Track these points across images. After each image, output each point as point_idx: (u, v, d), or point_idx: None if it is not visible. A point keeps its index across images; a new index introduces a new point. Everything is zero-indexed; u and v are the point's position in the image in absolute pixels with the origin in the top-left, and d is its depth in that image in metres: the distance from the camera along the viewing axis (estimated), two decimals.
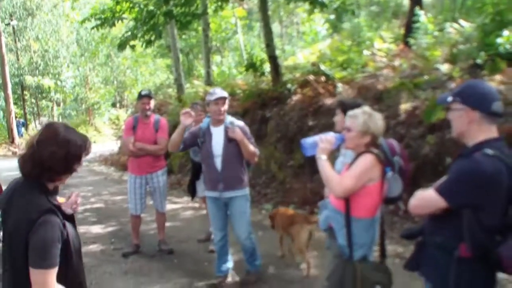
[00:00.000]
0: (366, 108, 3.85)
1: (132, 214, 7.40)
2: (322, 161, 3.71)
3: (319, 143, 3.79)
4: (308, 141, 3.94)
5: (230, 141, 5.55)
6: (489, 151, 2.78)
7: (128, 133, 7.11)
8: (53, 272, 2.52)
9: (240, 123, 5.75)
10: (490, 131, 2.90)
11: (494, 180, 2.74)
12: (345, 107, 4.36)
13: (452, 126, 3.04)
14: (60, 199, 2.78)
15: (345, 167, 3.81)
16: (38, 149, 2.61)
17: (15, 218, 2.57)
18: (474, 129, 2.91)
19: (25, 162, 2.64)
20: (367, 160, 3.63)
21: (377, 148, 3.75)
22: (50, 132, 2.66)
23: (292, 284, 5.98)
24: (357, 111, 3.80)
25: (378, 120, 3.75)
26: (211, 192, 5.81)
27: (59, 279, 2.55)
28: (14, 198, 2.64)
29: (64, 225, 2.61)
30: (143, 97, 7.12)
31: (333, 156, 4.30)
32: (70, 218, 2.73)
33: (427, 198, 2.96)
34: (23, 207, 2.57)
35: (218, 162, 5.64)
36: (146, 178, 7.17)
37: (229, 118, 5.71)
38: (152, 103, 7.21)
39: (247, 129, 5.75)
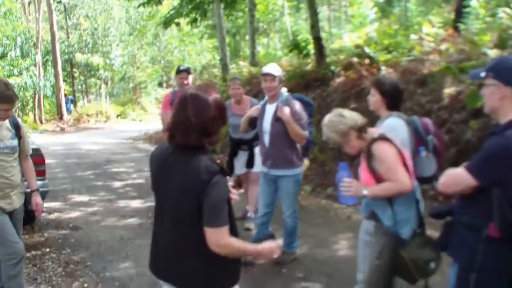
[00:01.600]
0: (324, 121, 3.81)
1: None
2: (368, 193, 3.66)
3: (348, 192, 3.73)
4: (343, 198, 3.89)
5: (278, 120, 5.53)
6: None
7: (166, 108, 7.09)
8: (228, 229, 2.64)
9: (295, 103, 5.65)
10: None
11: None
12: (381, 86, 4.27)
13: (485, 102, 2.94)
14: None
15: (363, 169, 3.76)
16: (198, 116, 2.66)
17: (181, 182, 2.65)
18: (507, 106, 2.80)
19: (185, 131, 2.67)
20: (381, 147, 3.61)
21: (365, 130, 3.72)
22: (202, 100, 2.70)
23: (325, 264, 5.96)
24: (323, 131, 3.79)
25: (339, 116, 3.74)
26: (262, 167, 5.90)
27: None
28: (171, 166, 2.74)
29: None
30: (181, 72, 7.09)
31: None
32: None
33: (456, 176, 2.88)
34: (192, 171, 2.62)
35: (267, 139, 5.70)
36: None
37: (285, 96, 5.66)
38: (191, 78, 7.16)
39: (298, 109, 5.61)
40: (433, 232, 6.12)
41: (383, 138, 3.64)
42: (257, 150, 7.00)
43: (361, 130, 3.68)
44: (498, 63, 2.93)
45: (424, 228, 3.75)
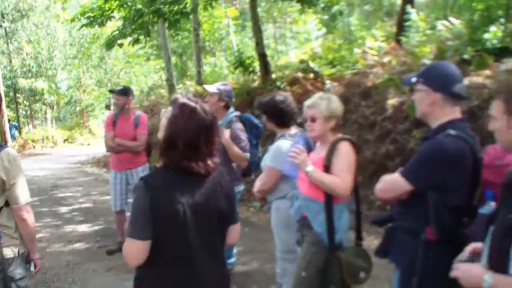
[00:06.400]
0: (321, 94, 3.81)
1: (113, 210, 7.33)
2: (311, 172, 3.57)
3: (293, 161, 3.66)
4: (286, 168, 3.87)
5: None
6: (452, 132, 2.74)
7: (108, 129, 7.09)
8: None
9: (237, 125, 5.63)
10: (453, 113, 2.87)
11: (456, 159, 2.70)
12: (262, 109, 4.51)
13: (416, 107, 3.00)
14: None
15: (315, 161, 3.70)
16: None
17: (210, 192, 2.62)
18: (437, 111, 2.87)
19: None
20: (347, 148, 3.59)
21: (339, 130, 3.74)
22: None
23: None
24: (314, 98, 3.74)
25: (338, 102, 3.72)
26: None
27: None
28: (198, 190, 2.58)
29: None
30: (112, 92, 7.06)
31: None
32: None
33: (392, 181, 2.92)
34: (223, 180, 2.76)
35: None
36: (126, 174, 7.10)
37: (230, 117, 5.68)
38: (124, 99, 7.06)
39: (238, 133, 5.58)
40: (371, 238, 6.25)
41: (353, 142, 3.66)
42: None
43: (337, 126, 3.70)
44: (428, 69, 2.99)
45: (361, 240, 3.75)
